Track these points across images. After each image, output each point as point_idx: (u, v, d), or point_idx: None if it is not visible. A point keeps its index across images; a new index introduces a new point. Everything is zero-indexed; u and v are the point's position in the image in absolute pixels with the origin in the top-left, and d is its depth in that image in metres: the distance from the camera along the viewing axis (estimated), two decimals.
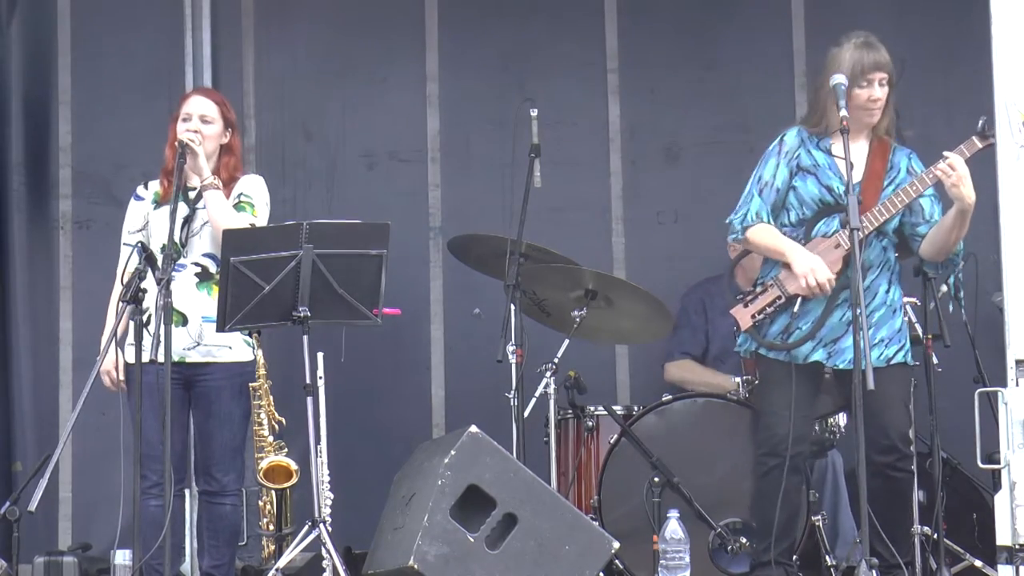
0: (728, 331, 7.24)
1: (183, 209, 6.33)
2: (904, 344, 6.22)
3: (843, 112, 5.97)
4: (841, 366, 6.13)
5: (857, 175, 6.14)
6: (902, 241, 6.32)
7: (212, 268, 6.40)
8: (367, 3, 8.47)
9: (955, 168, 5.99)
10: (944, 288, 7.03)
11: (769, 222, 6.25)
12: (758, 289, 6.25)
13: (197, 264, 6.41)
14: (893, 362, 6.17)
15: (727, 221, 6.35)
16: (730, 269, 6.71)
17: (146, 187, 6.58)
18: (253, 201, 6.51)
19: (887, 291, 6.21)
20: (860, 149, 6.19)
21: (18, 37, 8.37)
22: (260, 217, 6.51)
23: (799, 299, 6.15)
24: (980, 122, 6.08)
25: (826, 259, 6.12)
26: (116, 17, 8.34)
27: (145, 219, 6.51)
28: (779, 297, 6.18)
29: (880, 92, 6.17)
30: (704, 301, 7.68)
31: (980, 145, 6.08)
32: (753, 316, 6.22)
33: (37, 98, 8.37)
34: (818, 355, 6.14)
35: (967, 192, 6.01)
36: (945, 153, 6.05)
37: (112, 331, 6.04)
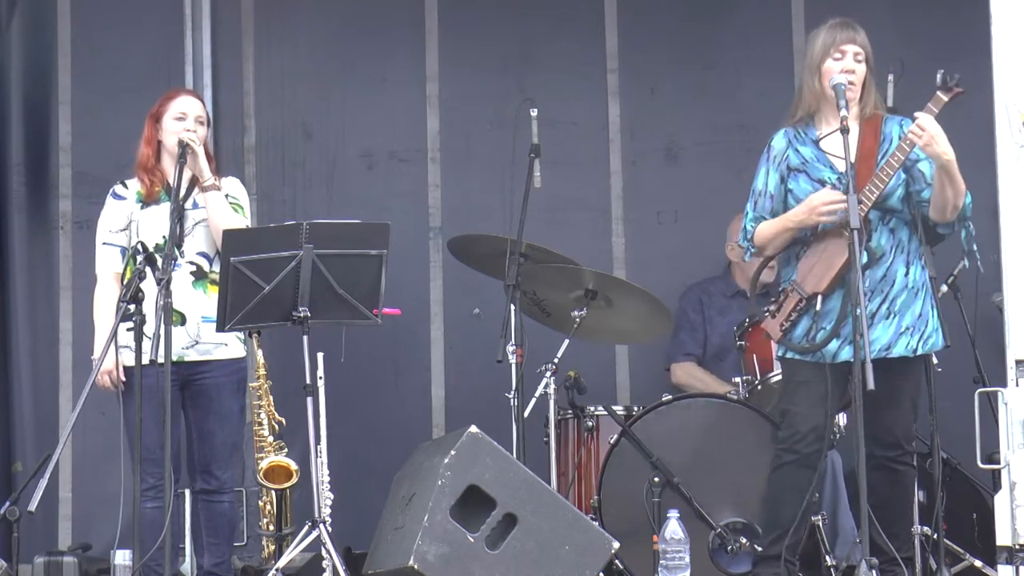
0: (726, 329, 7.26)
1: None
2: (924, 331, 6.14)
3: (843, 112, 5.95)
4: (871, 357, 6.04)
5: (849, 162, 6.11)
6: (923, 223, 6.24)
7: (206, 267, 6.41)
8: (367, 3, 8.47)
9: (924, 128, 5.90)
10: (944, 288, 7.03)
11: None
12: (780, 297, 6.22)
13: (192, 263, 6.41)
14: (918, 353, 6.13)
15: (737, 244, 6.34)
16: (752, 285, 6.64)
17: (125, 186, 6.57)
18: (241, 203, 6.55)
19: (906, 274, 6.13)
20: (851, 131, 6.12)
21: (18, 37, 8.37)
22: (248, 219, 6.57)
23: (819, 298, 6.11)
24: (939, 75, 5.96)
25: (836, 250, 6.07)
26: (116, 17, 8.34)
27: (129, 218, 6.50)
28: (800, 300, 6.15)
29: (854, 65, 6.14)
30: (702, 300, 7.68)
31: (946, 98, 5.94)
32: (782, 325, 6.18)
33: (37, 98, 8.37)
34: (846, 353, 6.10)
35: (942, 149, 5.92)
36: (916, 114, 5.98)
37: (113, 331, 6.04)
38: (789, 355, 6.20)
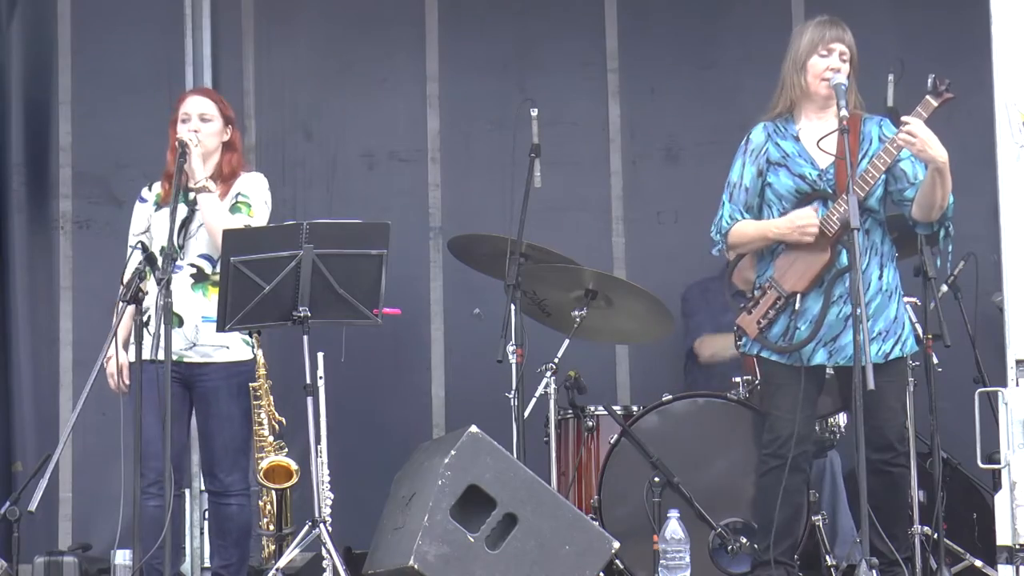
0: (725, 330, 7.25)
1: (182, 210, 6.31)
2: (901, 334, 6.15)
3: (843, 112, 5.95)
4: (842, 363, 6.09)
5: (829, 159, 6.11)
6: (900, 222, 6.25)
7: (207, 269, 6.41)
8: (367, 3, 8.48)
9: (916, 134, 5.89)
10: (944, 288, 7.03)
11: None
12: (757, 294, 6.23)
13: (193, 265, 6.41)
14: (891, 358, 6.14)
15: (710, 235, 6.34)
16: (728, 274, 6.66)
17: (149, 189, 6.60)
18: (250, 201, 6.51)
19: (879, 276, 6.13)
20: (830, 127, 6.11)
21: (18, 37, 8.38)
22: (257, 217, 6.50)
23: (797, 297, 6.13)
24: (930, 80, 5.96)
25: (815, 249, 6.07)
26: (116, 17, 8.34)
27: (148, 221, 6.52)
28: (779, 298, 6.16)
29: (840, 64, 6.12)
30: (705, 297, 7.68)
31: (935, 103, 5.94)
32: (758, 322, 6.18)
33: (37, 98, 8.38)
34: (820, 356, 6.11)
35: (935, 153, 5.92)
36: (904, 119, 5.96)
37: (113, 331, 6.04)
38: (764, 354, 6.20)
